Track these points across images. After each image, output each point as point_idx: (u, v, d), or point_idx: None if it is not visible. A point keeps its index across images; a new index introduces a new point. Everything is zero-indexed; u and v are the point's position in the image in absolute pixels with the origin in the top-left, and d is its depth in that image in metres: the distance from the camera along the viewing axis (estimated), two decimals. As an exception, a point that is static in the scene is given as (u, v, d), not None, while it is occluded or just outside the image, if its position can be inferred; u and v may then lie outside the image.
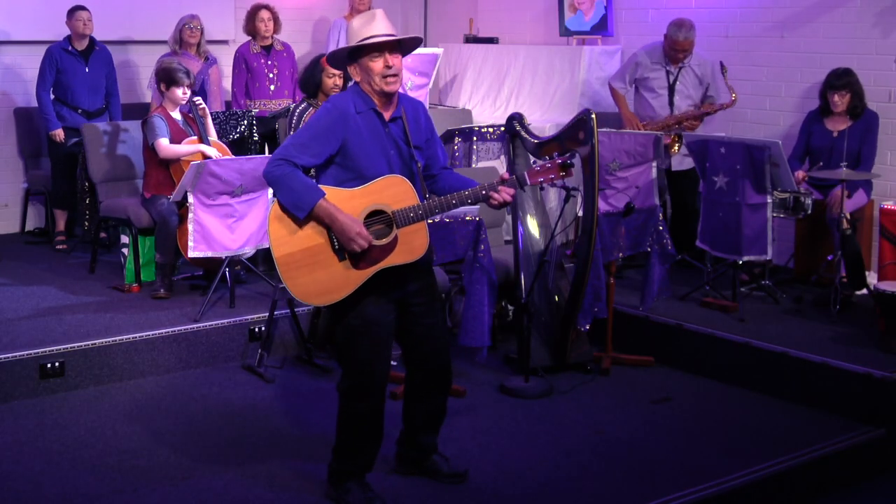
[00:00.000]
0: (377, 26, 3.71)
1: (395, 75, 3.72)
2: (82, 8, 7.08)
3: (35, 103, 7.24)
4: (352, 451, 3.90)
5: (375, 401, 3.86)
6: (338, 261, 3.69)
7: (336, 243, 3.68)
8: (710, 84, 6.94)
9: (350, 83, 3.90)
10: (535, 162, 3.82)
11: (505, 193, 3.73)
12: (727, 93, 6.71)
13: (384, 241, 3.70)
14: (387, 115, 3.79)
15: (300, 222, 3.68)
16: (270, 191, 5.82)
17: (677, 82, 6.93)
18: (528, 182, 3.76)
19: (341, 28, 8.31)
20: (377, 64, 3.71)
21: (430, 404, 4.09)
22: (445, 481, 4.13)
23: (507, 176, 3.79)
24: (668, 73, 6.95)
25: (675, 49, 6.86)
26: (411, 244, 3.74)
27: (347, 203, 3.68)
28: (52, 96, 7.09)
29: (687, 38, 6.82)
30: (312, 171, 3.82)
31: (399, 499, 4.00)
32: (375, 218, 3.72)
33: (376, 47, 3.71)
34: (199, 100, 6.25)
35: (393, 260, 3.72)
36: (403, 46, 3.79)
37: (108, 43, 7.48)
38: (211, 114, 6.93)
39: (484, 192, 3.74)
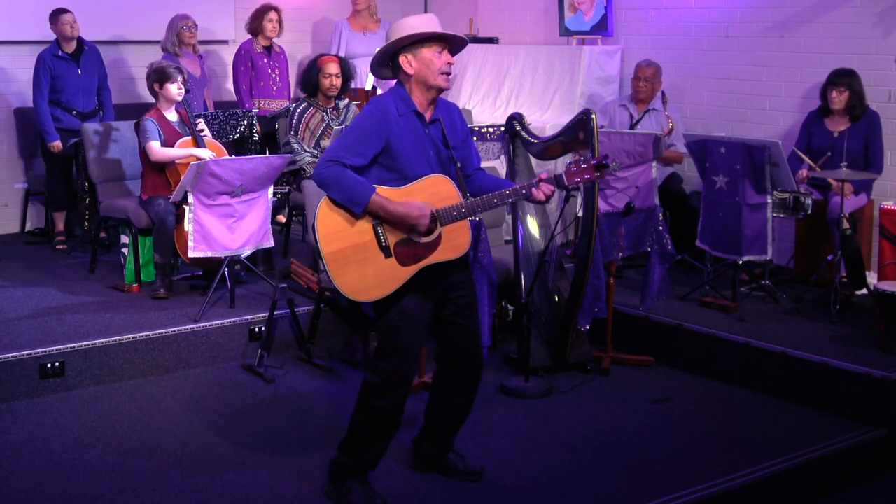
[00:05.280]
0: (440, 27, 3.80)
1: (450, 74, 3.80)
2: (65, 11, 6.97)
3: (31, 104, 7.21)
4: (364, 445, 3.91)
5: (400, 397, 3.88)
6: (384, 258, 3.75)
7: (383, 240, 3.74)
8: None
9: (392, 85, 3.91)
10: (569, 162, 3.90)
11: (546, 190, 3.82)
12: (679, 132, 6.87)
13: (429, 238, 3.77)
14: (427, 117, 3.84)
15: (348, 220, 3.73)
16: (270, 190, 5.84)
17: (638, 124, 7.02)
18: (566, 182, 3.85)
19: (343, 29, 8.32)
20: (441, 59, 3.77)
21: (458, 402, 4.11)
22: (460, 479, 4.15)
23: (545, 176, 3.86)
24: (630, 115, 7.11)
25: (636, 78, 7.09)
26: (455, 241, 3.81)
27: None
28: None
29: (650, 65, 7.06)
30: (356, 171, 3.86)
31: (399, 496, 4.00)
32: None
33: (441, 44, 3.78)
34: (200, 122, 6.25)
35: (437, 257, 3.79)
36: (452, 50, 3.87)
37: (104, 43, 7.48)
38: (210, 114, 6.94)
39: (524, 191, 3.83)
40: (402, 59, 3.80)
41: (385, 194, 3.73)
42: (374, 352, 3.94)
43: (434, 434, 4.19)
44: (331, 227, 3.74)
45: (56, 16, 6.99)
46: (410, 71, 3.79)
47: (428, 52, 3.77)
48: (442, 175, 3.81)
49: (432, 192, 3.77)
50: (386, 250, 3.75)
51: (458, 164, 3.88)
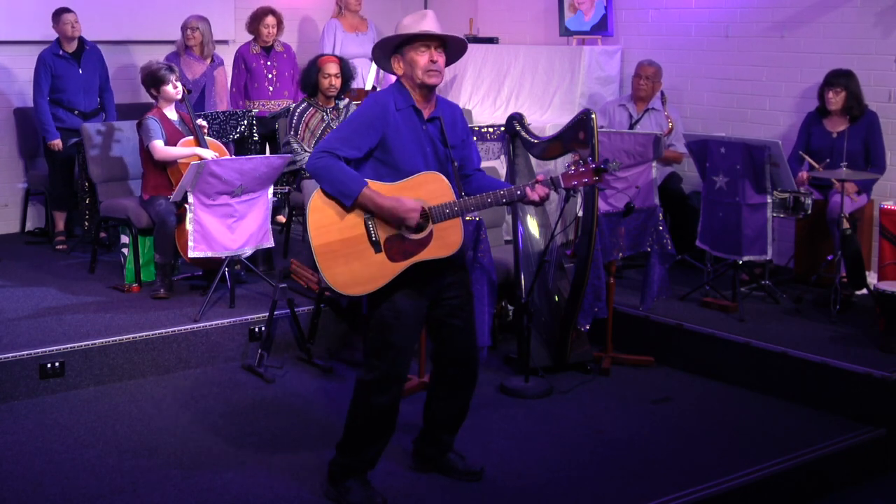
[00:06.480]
0: (427, 24, 3.81)
1: (437, 71, 3.81)
2: (67, 10, 6.99)
3: (32, 104, 7.21)
4: (361, 444, 3.91)
5: (395, 395, 3.89)
6: (374, 252, 3.76)
7: (373, 235, 3.75)
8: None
9: (390, 83, 3.94)
10: (568, 165, 3.91)
11: (541, 192, 3.82)
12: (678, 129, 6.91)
13: (419, 235, 3.77)
14: (425, 114, 3.86)
15: (340, 213, 3.74)
16: (270, 190, 5.84)
17: (637, 124, 7.02)
18: (563, 185, 3.85)
19: (336, 29, 8.31)
20: (423, 58, 3.79)
21: (454, 403, 4.12)
22: (461, 479, 4.15)
23: (541, 177, 3.86)
24: (630, 114, 7.11)
25: (637, 75, 7.09)
26: (446, 239, 3.81)
27: None
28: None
29: (651, 64, 7.07)
30: (351, 164, 3.88)
31: (399, 496, 4.00)
32: None
33: (424, 43, 3.80)
34: (200, 119, 6.25)
35: (427, 254, 3.79)
36: (449, 48, 3.87)
37: (109, 43, 7.48)
38: (211, 114, 6.93)
39: (519, 192, 3.83)
40: (393, 61, 3.87)
41: (379, 188, 3.74)
42: (365, 349, 3.93)
43: (433, 435, 4.20)
44: (322, 219, 3.75)
45: (58, 15, 7.00)
46: (399, 73, 3.87)
47: (412, 52, 3.81)
48: (436, 172, 3.82)
49: (426, 189, 3.78)
50: (376, 245, 3.76)
51: (456, 164, 3.89)
